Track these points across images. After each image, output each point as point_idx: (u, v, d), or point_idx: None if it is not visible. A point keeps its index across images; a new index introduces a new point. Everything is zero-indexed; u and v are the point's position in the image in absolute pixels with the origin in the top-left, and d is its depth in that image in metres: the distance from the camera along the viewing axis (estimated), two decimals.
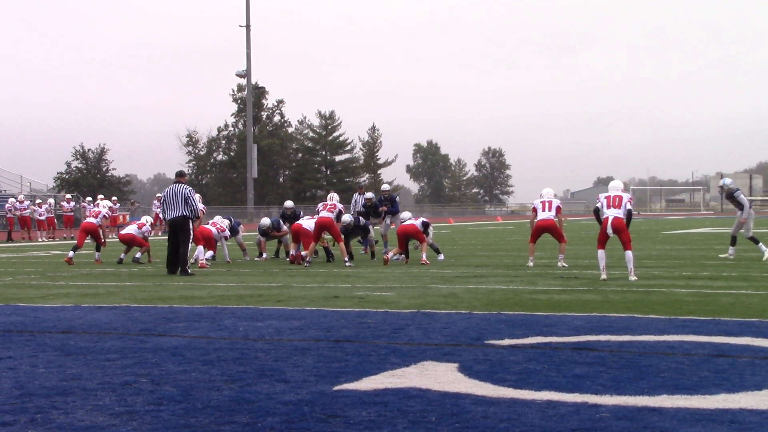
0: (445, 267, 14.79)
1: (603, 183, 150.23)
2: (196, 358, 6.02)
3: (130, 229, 18.20)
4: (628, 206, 12.19)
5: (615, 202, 12.10)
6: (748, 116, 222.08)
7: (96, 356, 6.14)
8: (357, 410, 4.46)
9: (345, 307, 8.90)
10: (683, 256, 16.91)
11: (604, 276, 11.79)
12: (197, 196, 15.34)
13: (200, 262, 15.84)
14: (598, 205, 12.34)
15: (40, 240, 31.72)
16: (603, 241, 12.10)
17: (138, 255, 17.93)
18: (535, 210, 14.99)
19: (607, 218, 12.05)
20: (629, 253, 11.85)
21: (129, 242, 17.89)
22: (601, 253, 12.06)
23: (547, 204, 14.78)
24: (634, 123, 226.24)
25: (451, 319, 7.85)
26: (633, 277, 11.63)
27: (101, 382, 5.22)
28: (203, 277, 13.58)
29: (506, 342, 6.49)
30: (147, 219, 18.80)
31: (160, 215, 36.89)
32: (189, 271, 14.05)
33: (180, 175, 15.15)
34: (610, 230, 11.96)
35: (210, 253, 17.00)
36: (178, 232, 14.35)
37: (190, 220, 14.54)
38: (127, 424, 4.25)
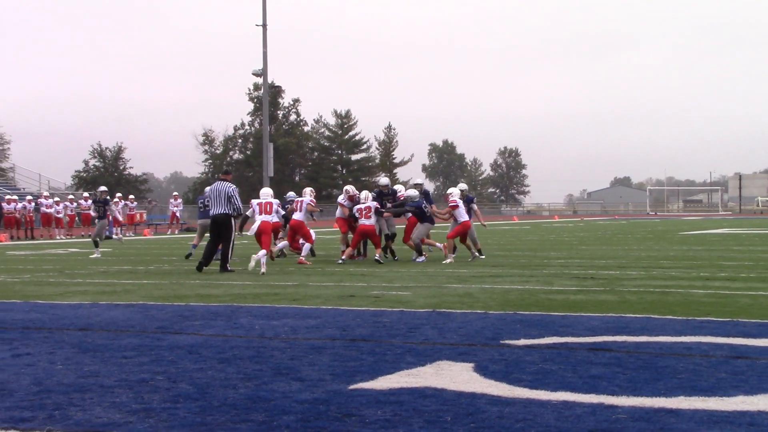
0: (461, 267, 14.77)
1: (620, 183, 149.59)
2: (212, 356, 6.04)
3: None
4: (280, 211, 15.30)
5: (267, 209, 14.71)
6: (767, 116, 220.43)
7: (113, 353, 6.18)
8: (372, 409, 4.46)
9: (361, 306, 8.90)
10: (700, 256, 16.79)
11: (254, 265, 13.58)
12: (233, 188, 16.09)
13: (300, 258, 15.96)
14: (249, 212, 15.27)
15: (58, 238, 31.95)
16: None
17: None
18: None
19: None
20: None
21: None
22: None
23: None
24: (651, 123, 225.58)
25: (467, 319, 7.83)
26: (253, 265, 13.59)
27: (118, 380, 5.25)
28: (220, 275, 13.62)
29: (522, 342, 6.47)
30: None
31: (177, 214, 37.27)
32: (229, 268, 14.23)
33: (225, 173, 15.37)
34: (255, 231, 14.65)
35: (285, 243, 17.08)
36: (220, 229, 14.54)
37: (233, 218, 14.83)
38: (143, 422, 4.27)
